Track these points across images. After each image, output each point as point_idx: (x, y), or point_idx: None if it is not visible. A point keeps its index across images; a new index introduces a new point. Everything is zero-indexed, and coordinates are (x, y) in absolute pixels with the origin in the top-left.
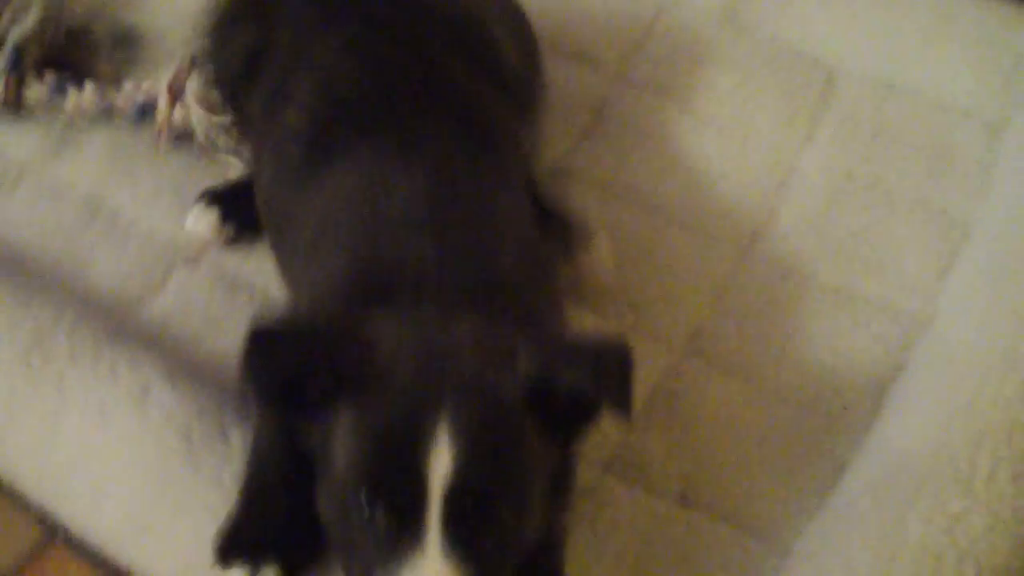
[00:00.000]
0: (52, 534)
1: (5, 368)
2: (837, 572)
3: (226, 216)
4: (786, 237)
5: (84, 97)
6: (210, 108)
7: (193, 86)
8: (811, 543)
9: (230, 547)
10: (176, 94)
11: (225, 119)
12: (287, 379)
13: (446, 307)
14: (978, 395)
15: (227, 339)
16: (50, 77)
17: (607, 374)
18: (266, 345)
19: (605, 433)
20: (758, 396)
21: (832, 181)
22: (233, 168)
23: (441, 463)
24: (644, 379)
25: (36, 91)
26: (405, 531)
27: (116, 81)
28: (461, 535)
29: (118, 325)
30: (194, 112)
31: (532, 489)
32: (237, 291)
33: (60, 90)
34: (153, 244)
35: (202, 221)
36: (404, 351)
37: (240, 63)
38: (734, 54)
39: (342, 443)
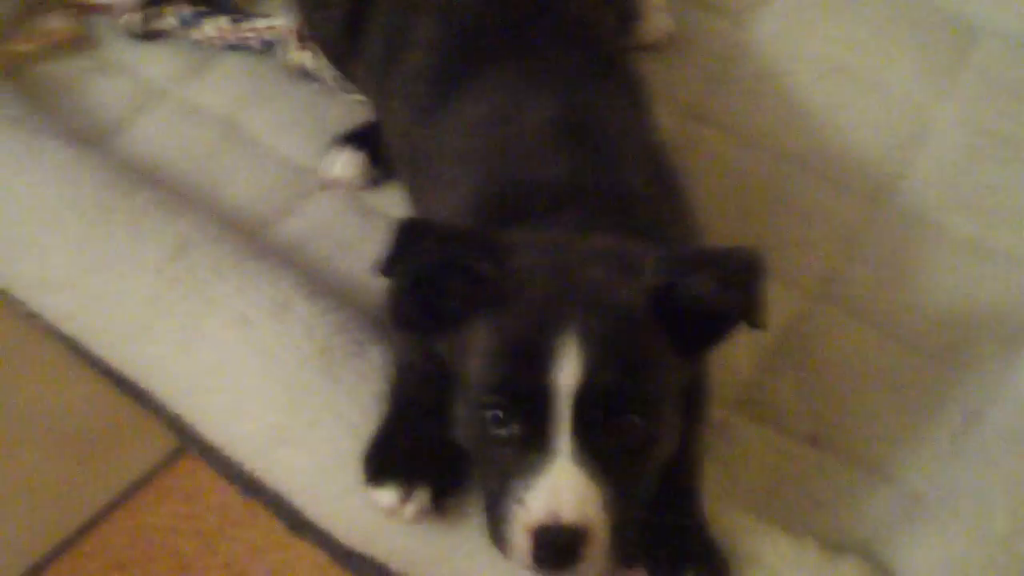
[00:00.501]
0: (186, 444)
1: (149, 275)
2: (971, 516)
3: (374, 159)
4: (920, 188)
5: (214, 28)
6: None
7: None
8: (944, 487)
9: (382, 466)
10: (304, 38)
11: None
12: (429, 274)
13: (579, 223)
14: None
15: (360, 262)
16: (185, 9)
17: (734, 280)
18: (416, 233)
19: (736, 371)
20: (889, 343)
21: (967, 136)
22: (363, 106)
23: (569, 372)
24: (775, 321)
25: (170, 22)
26: (537, 441)
27: (247, 16)
28: (592, 442)
29: (256, 241)
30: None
31: (663, 398)
32: (370, 217)
33: (193, 22)
34: (289, 169)
35: (350, 165)
36: (537, 265)
37: (338, 26)
38: (871, 4)
39: (475, 355)
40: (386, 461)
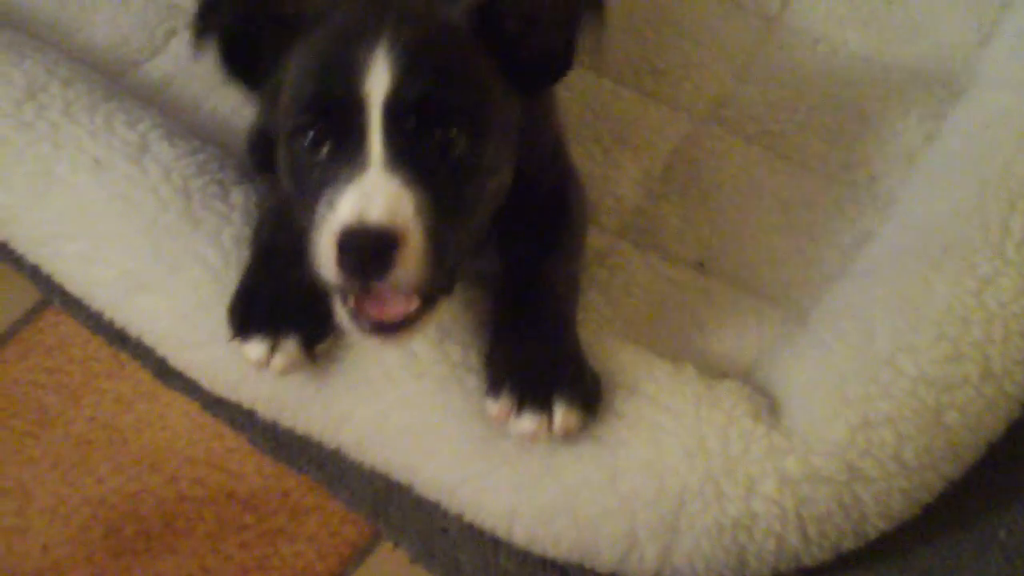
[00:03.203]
0: (47, 295)
1: None
2: (854, 334)
3: None
4: (816, 4)
5: None
6: None
7: None
8: (830, 305)
9: (246, 318)
10: None
11: None
12: (238, 29)
13: None
14: (1014, 159)
15: (228, 104)
16: None
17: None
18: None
19: (619, 198)
20: (781, 164)
21: None
22: None
23: (379, 80)
24: (662, 146)
25: None
26: (350, 154)
27: None
28: (406, 151)
29: (116, 82)
30: None
31: (488, 119)
32: None
33: None
34: (155, 4)
35: None
36: None
37: None
38: None
39: (288, 86)
40: (252, 312)
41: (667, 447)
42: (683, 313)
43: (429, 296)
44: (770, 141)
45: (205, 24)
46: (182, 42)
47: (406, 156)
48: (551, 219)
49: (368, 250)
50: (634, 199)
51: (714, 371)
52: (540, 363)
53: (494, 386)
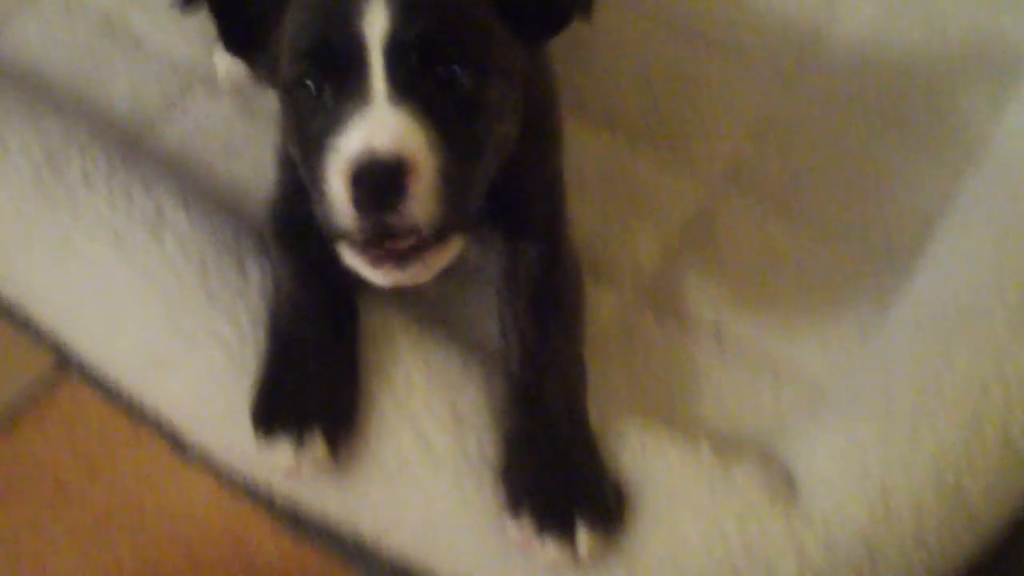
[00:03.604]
0: (65, 365)
1: (16, 188)
2: (874, 410)
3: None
4: (833, 64)
5: None
6: None
7: None
8: (848, 381)
9: (270, 415)
10: None
11: None
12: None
13: None
14: None
15: (245, 166)
16: None
17: None
18: None
19: (636, 263)
20: (799, 231)
21: (881, 4)
22: None
23: (378, 20)
24: (678, 210)
25: None
26: (352, 95)
27: None
28: (410, 88)
29: (133, 147)
30: None
31: (490, 60)
32: (256, 119)
33: None
34: (172, 64)
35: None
36: None
37: None
38: None
39: (287, 41)
40: (275, 409)
41: (684, 536)
42: (699, 383)
43: (441, 234)
44: (787, 205)
45: None
46: (199, 104)
47: (410, 91)
48: (548, 290)
49: (381, 178)
50: (650, 264)
51: (730, 446)
52: (559, 479)
53: (513, 507)
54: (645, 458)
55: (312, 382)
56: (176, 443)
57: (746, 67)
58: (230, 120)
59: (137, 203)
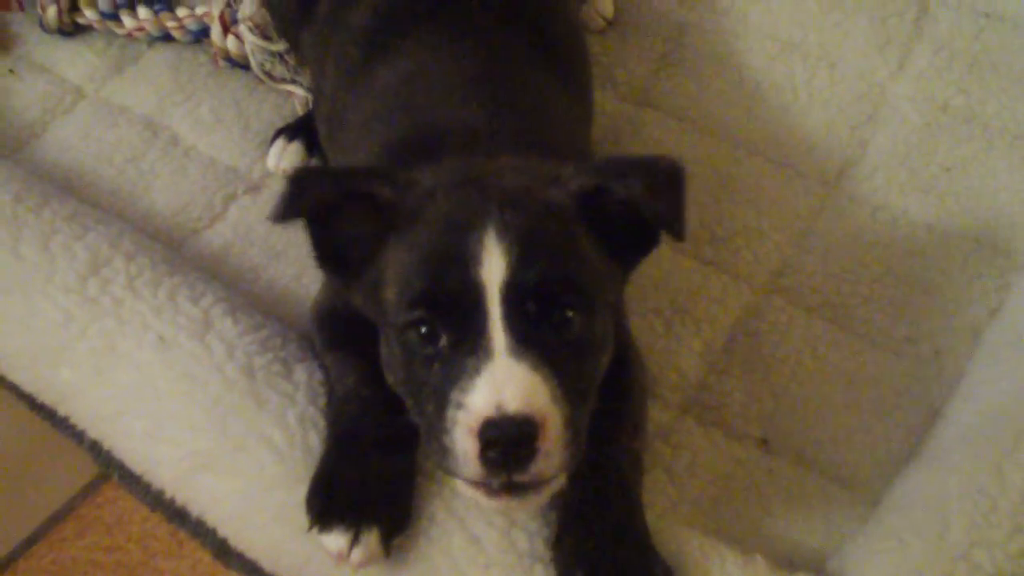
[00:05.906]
0: (107, 471)
1: (61, 295)
2: (932, 523)
3: (310, 149)
4: (876, 171)
5: (135, 21)
6: (264, 36)
7: (246, 14)
8: (902, 492)
9: (327, 507)
10: (228, 23)
11: (280, 46)
12: (328, 211)
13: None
14: None
15: (289, 270)
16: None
17: (660, 185)
18: (309, 175)
19: (682, 372)
20: (844, 337)
21: (926, 113)
22: (295, 96)
23: (496, 267)
24: (724, 318)
25: (89, 15)
26: (470, 345)
27: (170, 5)
28: (529, 337)
29: (177, 252)
30: (248, 41)
31: (596, 295)
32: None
33: (112, 15)
34: (214, 170)
35: (287, 156)
36: (447, 182)
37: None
38: None
39: (392, 281)
40: (332, 501)
41: None
42: (749, 494)
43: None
44: (832, 313)
45: (293, 206)
46: (241, 208)
47: (530, 341)
48: (613, 393)
49: (511, 441)
50: (696, 373)
51: (782, 558)
52: (611, 556)
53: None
54: (700, 563)
55: (372, 478)
56: (219, 550)
57: (787, 172)
58: (272, 224)
59: (183, 310)
